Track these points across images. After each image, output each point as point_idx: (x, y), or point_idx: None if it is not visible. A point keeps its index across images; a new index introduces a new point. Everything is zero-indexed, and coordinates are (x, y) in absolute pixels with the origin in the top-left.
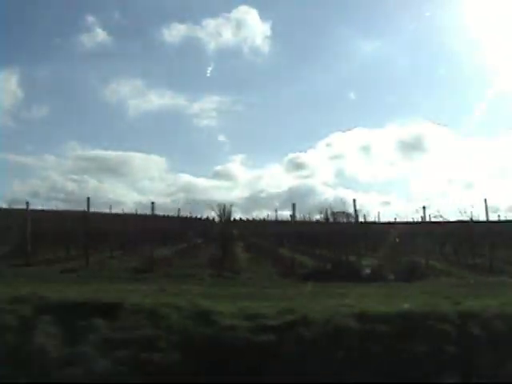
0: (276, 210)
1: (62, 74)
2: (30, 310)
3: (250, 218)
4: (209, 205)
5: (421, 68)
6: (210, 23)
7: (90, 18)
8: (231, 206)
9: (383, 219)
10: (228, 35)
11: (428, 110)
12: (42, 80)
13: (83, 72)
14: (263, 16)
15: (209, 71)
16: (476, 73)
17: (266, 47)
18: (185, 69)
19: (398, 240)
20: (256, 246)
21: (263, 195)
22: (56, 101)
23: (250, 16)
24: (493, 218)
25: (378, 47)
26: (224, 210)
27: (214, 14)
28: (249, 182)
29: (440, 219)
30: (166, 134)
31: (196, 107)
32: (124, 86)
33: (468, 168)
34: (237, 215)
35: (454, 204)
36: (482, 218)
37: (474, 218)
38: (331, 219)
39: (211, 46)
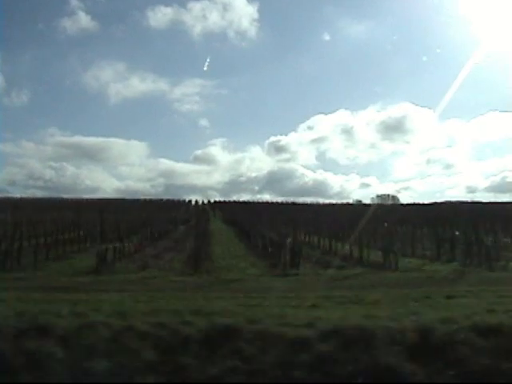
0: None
1: (44, 60)
2: None
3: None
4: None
5: (405, 51)
6: (196, 6)
7: (74, 2)
8: None
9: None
10: (214, 18)
11: (410, 92)
12: (23, 66)
13: (66, 57)
14: None
15: (206, 65)
16: (458, 57)
17: (252, 30)
18: (169, 52)
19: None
20: None
21: (243, 179)
22: (37, 86)
23: None
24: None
25: (364, 30)
26: None
27: None
28: (229, 165)
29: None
30: (148, 119)
31: (178, 91)
32: (106, 71)
33: (448, 149)
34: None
35: (433, 185)
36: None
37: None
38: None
39: (197, 29)
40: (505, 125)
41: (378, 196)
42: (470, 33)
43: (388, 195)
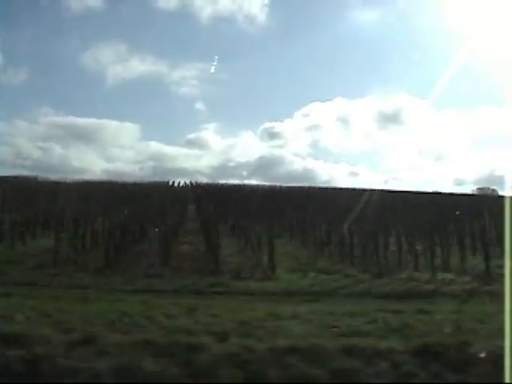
0: None
1: (45, 38)
2: None
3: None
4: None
5: (407, 40)
6: None
7: None
8: None
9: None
10: (225, 1)
11: (407, 82)
12: (23, 43)
13: (67, 36)
14: None
15: (213, 68)
16: (456, 48)
17: (262, 15)
18: (174, 35)
19: None
20: None
21: (232, 164)
22: (35, 65)
23: None
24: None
25: (370, 19)
26: None
27: None
28: (221, 150)
29: None
30: (143, 101)
31: (177, 74)
32: (106, 52)
33: (440, 140)
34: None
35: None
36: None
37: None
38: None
39: (205, 12)
40: (497, 119)
41: (478, 188)
42: (474, 22)
43: (488, 187)
